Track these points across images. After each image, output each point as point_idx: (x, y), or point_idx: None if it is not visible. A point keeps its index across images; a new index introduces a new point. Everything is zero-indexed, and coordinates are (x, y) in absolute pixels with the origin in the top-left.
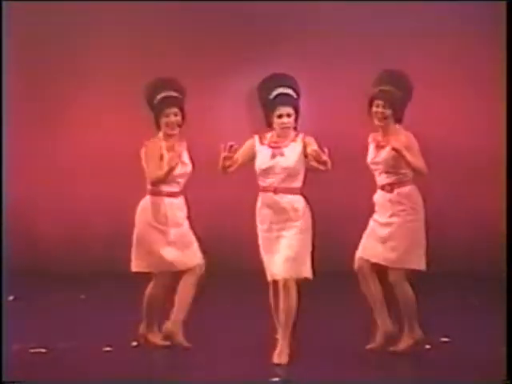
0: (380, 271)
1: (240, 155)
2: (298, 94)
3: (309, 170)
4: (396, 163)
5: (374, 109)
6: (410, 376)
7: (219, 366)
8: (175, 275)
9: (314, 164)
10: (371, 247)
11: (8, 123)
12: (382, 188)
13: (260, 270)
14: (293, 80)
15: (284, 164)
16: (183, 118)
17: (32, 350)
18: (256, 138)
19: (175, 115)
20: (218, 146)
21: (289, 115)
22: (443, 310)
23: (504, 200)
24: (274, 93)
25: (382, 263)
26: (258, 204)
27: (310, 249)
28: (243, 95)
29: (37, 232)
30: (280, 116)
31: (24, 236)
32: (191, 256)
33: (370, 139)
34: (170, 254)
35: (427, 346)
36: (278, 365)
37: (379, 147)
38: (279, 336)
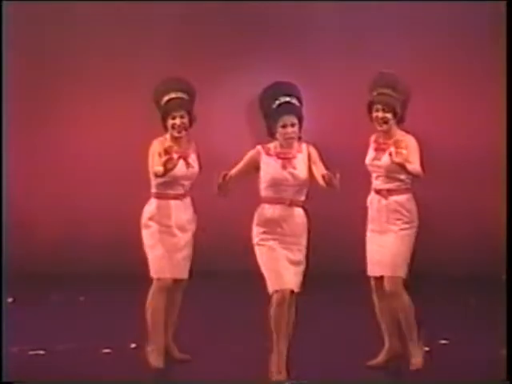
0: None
1: (242, 168)
2: (301, 103)
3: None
4: (396, 170)
5: (374, 114)
6: (410, 377)
7: (219, 368)
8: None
9: (323, 184)
10: (371, 261)
11: (8, 123)
12: (378, 192)
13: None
14: (296, 88)
15: (298, 177)
16: (191, 120)
17: (31, 352)
18: (260, 148)
19: (181, 117)
20: (215, 150)
21: (293, 125)
22: (442, 312)
23: (504, 201)
24: (277, 102)
25: (381, 274)
26: (267, 215)
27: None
28: (243, 101)
29: (36, 234)
30: (284, 126)
31: (23, 238)
32: (186, 267)
33: (371, 139)
34: (175, 255)
35: (426, 348)
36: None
37: (380, 150)
38: (277, 351)
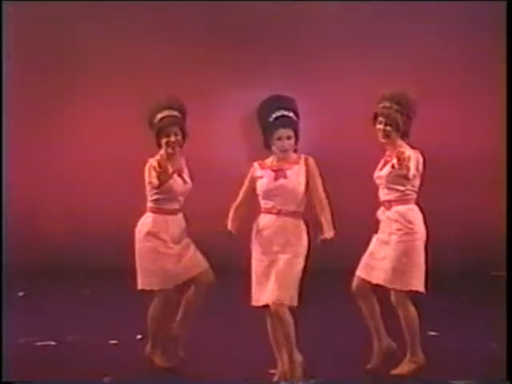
0: (382, 291)
1: (245, 191)
2: (297, 116)
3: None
4: (395, 180)
5: (378, 126)
6: (409, 377)
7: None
8: (178, 290)
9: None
10: (369, 266)
11: (8, 121)
12: (383, 204)
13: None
14: (293, 102)
15: (286, 186)
16: (184, 137)
17: (42, 343)
18: (256, 165)
19: (175, 135)
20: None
21: (289, 137)
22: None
23: (502, 203)
24: (274, 115)
25: (382, 283)
26: (260, 224)
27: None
28: (241, 115)
29: (44, 232)
30: (280, 138)
31: (31, 236)
32: (193, 264)
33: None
34: (172, 267)
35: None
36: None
37: (386, 162)
38: (287, 362)
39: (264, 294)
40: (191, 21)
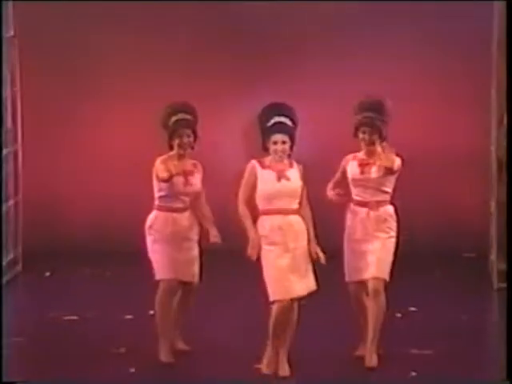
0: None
1: (249, 188)
2: (294, 123)
3: None
4: (386, 182)
5: (361, 135)
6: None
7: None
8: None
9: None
10: (355, 268)
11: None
12: (365, 205)
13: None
14: (291, 110)
15: (291, 187)
16: (195, 139)
17: (67, 318)
18: (255, 162)
19: (188, 136)
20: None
21: (284, 142)
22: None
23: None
24: (272, 121)
25: (364, 277)
26: (266, 226)
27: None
28: (244, 120)
29: (69, 220)
30: (275, 143)
31: (58, 223)
32: (191, 271)
33: (349, 157)
34: (181, 261)
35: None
36: (285, 378)
37: (364, 165)
38: (271, 348)
39: (286, 288)
40: (200, 25)
